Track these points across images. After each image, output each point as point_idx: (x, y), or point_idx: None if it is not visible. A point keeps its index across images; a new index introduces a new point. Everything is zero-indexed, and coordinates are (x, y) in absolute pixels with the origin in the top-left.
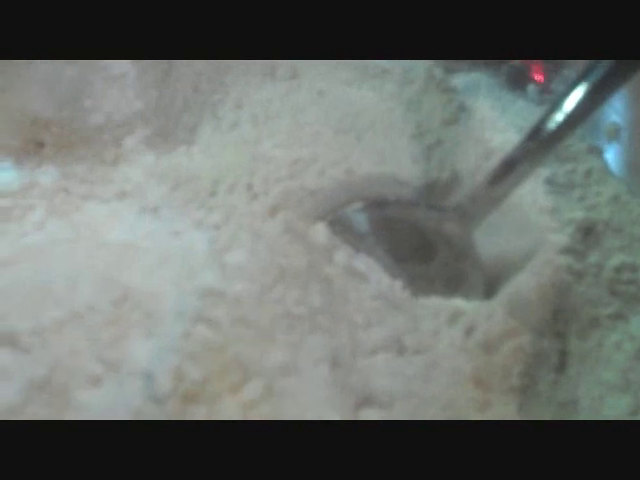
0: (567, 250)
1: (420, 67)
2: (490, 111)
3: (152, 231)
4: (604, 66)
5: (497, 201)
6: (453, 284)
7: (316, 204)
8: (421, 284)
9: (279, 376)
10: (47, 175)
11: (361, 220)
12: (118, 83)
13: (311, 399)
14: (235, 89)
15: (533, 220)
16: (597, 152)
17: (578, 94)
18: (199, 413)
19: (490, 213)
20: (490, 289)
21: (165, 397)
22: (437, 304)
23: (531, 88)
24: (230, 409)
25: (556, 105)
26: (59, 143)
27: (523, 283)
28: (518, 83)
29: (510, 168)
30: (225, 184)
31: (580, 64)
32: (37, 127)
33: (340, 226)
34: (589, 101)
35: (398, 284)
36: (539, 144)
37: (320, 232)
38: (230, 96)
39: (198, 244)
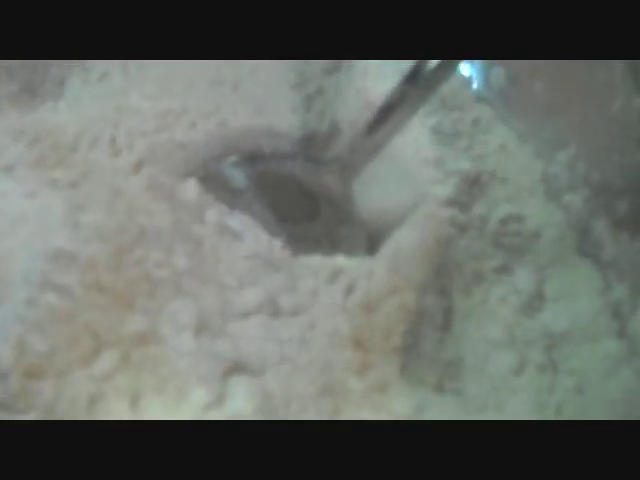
0: (451, 202)
1: None
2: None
3: (4, 192)
4: None
5: (376, 150)
6: (334, 241)
7: (186, 159)
8: (302, 242)
9: (136, 345)
10: None
11: (236, 175)
12: None
13: (173, 368)
14: None
15: (416, 171)
16: (485, 100)
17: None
18: (45, 388)
19: (369, 163)
20: (373, 245)
21: (6, 372)
22: (317, 263)
23: None
24: (80, 383)
25: None
26: None
27: (404, 238)
28: None
29: (387, 114)
30: (87, 139)
31: None
32: None
33: (213, 182)
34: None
35: (277, 243)
36: (416, 88)
37: (189, 188)
38: None
39: (53, 204)
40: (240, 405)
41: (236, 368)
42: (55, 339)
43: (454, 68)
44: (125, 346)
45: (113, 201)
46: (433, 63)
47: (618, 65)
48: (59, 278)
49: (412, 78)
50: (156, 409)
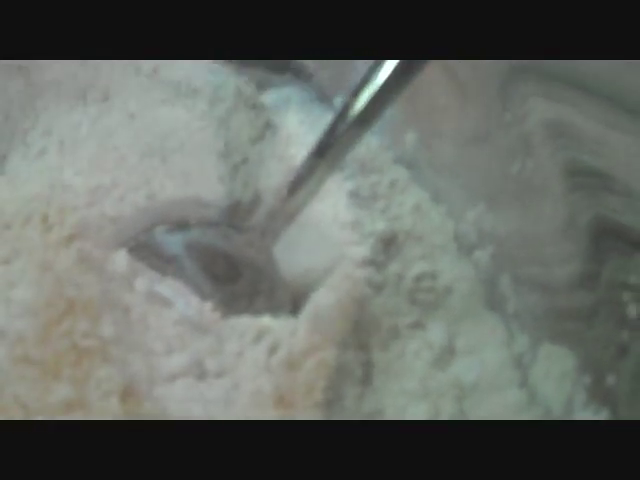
0: (367, 262)
1: (231, 84)
2: (297, 127)
3: None
4: (378, 80)
5: (292, 216)
6: (260, 303)
7: (117, 232)
8: (232, 305)
9: (63, 412)
10: None
11: (165, 244)
12: None
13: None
14: (45, 114)
15: (334, 234)
16: (402, 162)
17: (356, 102)
18: None
19: (287, 228)
20: (297, 306)
21: None
22: (245, 323)
23: (338, 101)
24: None
25: (337, 117)
26: None
27: (323, 298)
28: (327, 96)
29: (299, 184)
30: (21, 216)
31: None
32: None
33: (144, 252)
34: (364, 114)
35: (208, 306)
36: (323, 158)
37: (119, 259)
38: (40, 122)
39: None
40: None
41: None
42: None
43: (359, 139)
44: (51, 414)
45: (43, 276)
46: (339, 135)
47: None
48: None
49: (319, 149)
50: None
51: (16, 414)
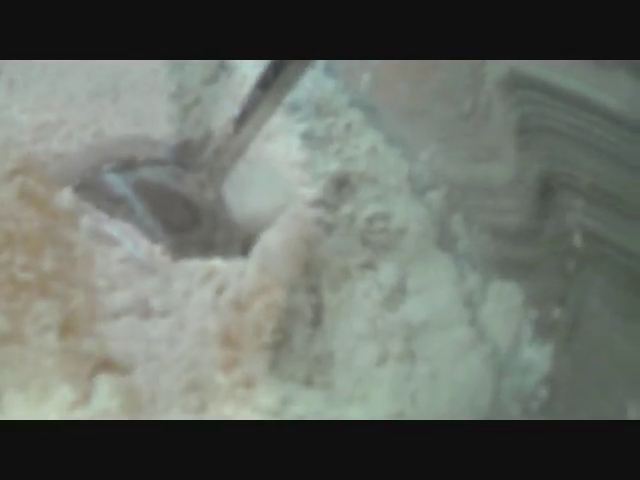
0: (318, 203)
1: None
2: (252, 68)
3: None
4: None
5: (239, 152)
6: (211, 245)
7: (62, 169)
8: (182, 248)
9: None
10: None
11: (114, 183)
12: None
13: (37, 367)
14: None
15: (286, 175)
16: (359, 105)
17: None
18: None
19: (234, 165)
20: (247, 247)
21: None
22: (194, 265)
23: None
24: None
25: None
26: None
27: (272, 238)
28: None
29: (244, 118)
30: None
31: None
32: None
33: (91, 191)
34: None
35: (158, 248)
36: (268, 92)
37: (64, 197)
38: None
39: None
40: (105, 402)
41: (103, 366)
42: None
43: (303, 71)
44: None
45: None
46: (285, 66)
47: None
48: None
49: (262, 83)
50: (18, 406)
51: None
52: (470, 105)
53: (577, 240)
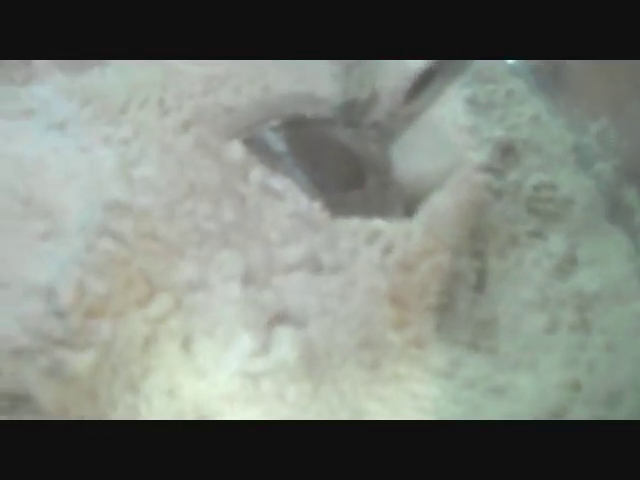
0: (486, 168)
1: None
2: None
3: (59, 147)
4: None
5: (414, 117)
6: (372, 204)
7: (231, 122)
8: (340, 205)
9: (187, 291)
10: None
11: (279, 139)
12: None
13: (221, 315)
14: None
15: (452, 139)
16: (520, 73)
17: None
18: (103, 327)
19: (407, 129)
20: (410, 209)
21: (67, 311)
22: (355, 224)
23: None
24: (136, 324)
25: None
26: None
27: (441, 202)
28: None
29: (425, 83)
30: (136, 100)
31: None
32: None
33: (256, 145)
34: None
35: (317, 205)
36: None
37: (234, 149)
38: None
39: (106, 159)
40: (284, 353)
41: (280, 318)
42: (112, 282)
43: None
44: (177, 291)
45: (164, 157)
46: None
47: None
48: (115, 226)
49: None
50: (206, 352)
51: (141, 288)
52: None
53: None
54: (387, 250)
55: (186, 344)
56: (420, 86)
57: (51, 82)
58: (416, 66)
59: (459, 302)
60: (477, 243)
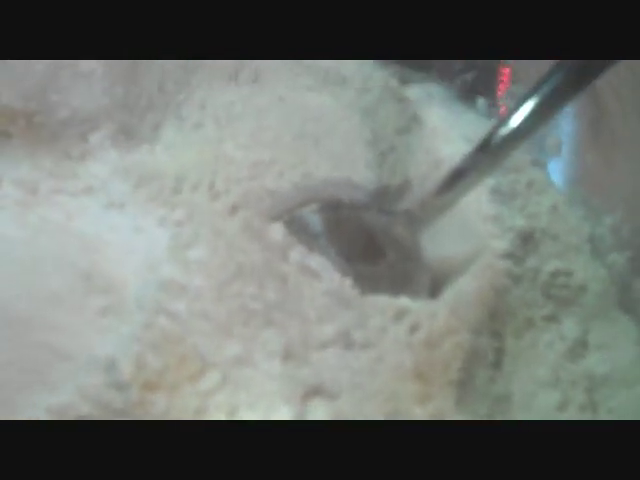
0: (506, 255)
1: (378, 77)
2: (441, 122)
3: (117, 225)
4: (551, 84)
5: (444, 208)
6: (400, 284)
7: (274, 204)
8: (369, 283)
9: (234, 367)
10: (15, 167)
11: (316, 221)
12: (85, 79)
13: (263, 389)
14: (199, 90)
15: (476, 226)
16: (540, 165)
17: (525, 110)
18: (159, 401)
19: (437, 219)
20: (435, 290)
21: (127, 385)
22: (384, 302)
23: (481, 102)
24: (188, 397)
25: (505, 119)
26: (26, 136)
27: (465, 285)
28: (469, 96)
29: (458, 177)
30: (188, 183)
31: (527, 81)
32: (4, 118)
33: (296, 226)
34: (535, 117)
35: (348, 282)
36: (487, 156)
37: (277, 231)
38: (194, 97)
39: (161, 239)
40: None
41: (315, 392)
42: (167, 358)
43: (524, 139)
44: (225, 367)
45: (215, 240)
46: (504, 133)
47: None
48: (170, 305)
49: (483, 147)
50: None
51: (194, 364)
52: None
53: None
54: (413, 328)
55: (231, 415)
56: (453, 181)
57: (106, 160)
58: (444, 157)
59: (477, 378)
60: (496, 324)
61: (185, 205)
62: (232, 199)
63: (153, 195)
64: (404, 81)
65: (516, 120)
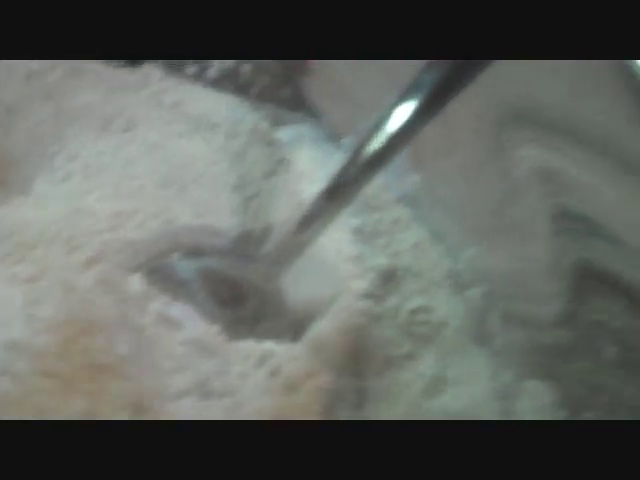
0: (366, 295)
1: (248, 120)
2: (309, 163)
3: None
4: (392, 117)
5: (300, 249)
6: (264, 329)
7: (135, 255)
8: (237, 329)
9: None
10: None
11: (179, 269)
12: None
13: None
14: (73, 140)
15: (337, 267)
16: (404, 201)
17: (368, 147)
18: None
19: (294, 260)
20: (299, 333)
21: None
22: (249, 347)
23: (346, 141)
24: None
25: (348, 160)
26: None
27: (324, 327)
28: (338, 135)
29: (310, 220)
30: (46, 237)
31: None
32: None
33: (158, 276)
34: (377, 154)
35: (214, 329)
36: (334, 200)
37: (135, 282)
38: (67, 147)
39: (11, 298)
40: None
41: None
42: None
43: (368, 182)
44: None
45: (65, 296)
46: (350, 178)
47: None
48: (13, 366)
49: (330, 193)
50: None
51: None
52: (510, 207)
53: (607, 352)
54: (274, 372)
55: None
56: (305, 223)
57: None
58: (308, 199)
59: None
60: (357, 365)
61: (39, 261)
62: (89, 252)
63: (9, 251)
64: (276, 123)
65: (359, 159)
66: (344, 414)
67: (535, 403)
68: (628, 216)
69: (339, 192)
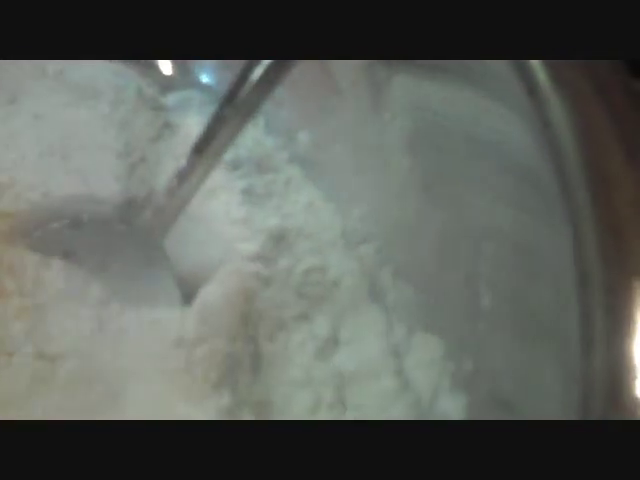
0: (255, 257)
1: (133, 86)
2: (195, 127)
3: None
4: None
5: (177, 212)
6: (150, 295)
7: (11, 228)
8: (126, 297)
9: None
10: None
11: (60, 240)
12: None
13: None
14: None
15: (226, 230)
16: (295, 161)
17: (235, 98)
18: None
19: (173, 223)
20: (189, 299)
21: None
22: (136, 314)
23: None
24: None
25: (214, 115)
26: None
27: (213, 291)
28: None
29: (182, 180)
30: None
31: None
32: None
33: (36, 249)
34: (241, 105)
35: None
36: (202, 155)
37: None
38: None
39: None
40: None
41: None
42: None
43: (235, 136)
44: None
45: None
46: (216, 132)
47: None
48: None
49: (198, 148)
50: None
51: None
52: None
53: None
54: (166, 339)
55: None
56: (177, 183)
57: None
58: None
59: (237, 385)
60: (249, 329)
61: None
62: None
63: None
64: (162, 89)
65: (229, 107)
66: (241, 379)
67: (425, 357)
68: None
69: (205, 148)
